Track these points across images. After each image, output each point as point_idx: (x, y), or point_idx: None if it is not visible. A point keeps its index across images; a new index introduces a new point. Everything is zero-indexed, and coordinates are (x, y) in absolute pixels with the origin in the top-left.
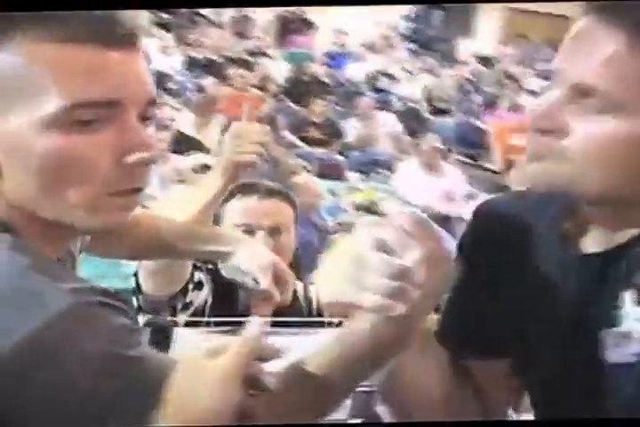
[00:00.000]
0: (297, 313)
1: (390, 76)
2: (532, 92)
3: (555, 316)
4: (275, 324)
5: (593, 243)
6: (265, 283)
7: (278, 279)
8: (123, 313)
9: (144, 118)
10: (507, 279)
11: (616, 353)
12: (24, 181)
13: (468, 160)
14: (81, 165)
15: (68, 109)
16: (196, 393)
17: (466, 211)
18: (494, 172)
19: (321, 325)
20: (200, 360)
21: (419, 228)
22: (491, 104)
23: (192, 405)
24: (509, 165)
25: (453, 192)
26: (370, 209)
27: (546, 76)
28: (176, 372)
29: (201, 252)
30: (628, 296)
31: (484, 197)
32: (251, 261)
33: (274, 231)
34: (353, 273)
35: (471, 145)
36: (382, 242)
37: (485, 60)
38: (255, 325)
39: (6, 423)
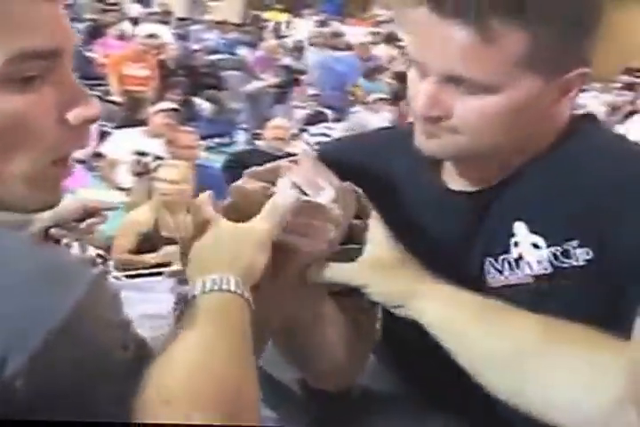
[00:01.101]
0: None
1: None
2: (135, 20)
3: (429, 251)
4: None
5: (457, 183)
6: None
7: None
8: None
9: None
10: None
11: (510, 276)
12: None
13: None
14: (24, 130)
15: (10, 62)
16: (236, 252)
17: (105, 148)
18: (118, 104)
19: None
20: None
21: (320, 168)
22: (96, 32)
23: (237, 258)
24: (131, 97)
25: None
26: None
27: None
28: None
29: None
30: (517, 227)
31: (117, 132)
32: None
33: None
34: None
35: (84, 76)
36: (297, 185)
37: None
38: (289, 194)
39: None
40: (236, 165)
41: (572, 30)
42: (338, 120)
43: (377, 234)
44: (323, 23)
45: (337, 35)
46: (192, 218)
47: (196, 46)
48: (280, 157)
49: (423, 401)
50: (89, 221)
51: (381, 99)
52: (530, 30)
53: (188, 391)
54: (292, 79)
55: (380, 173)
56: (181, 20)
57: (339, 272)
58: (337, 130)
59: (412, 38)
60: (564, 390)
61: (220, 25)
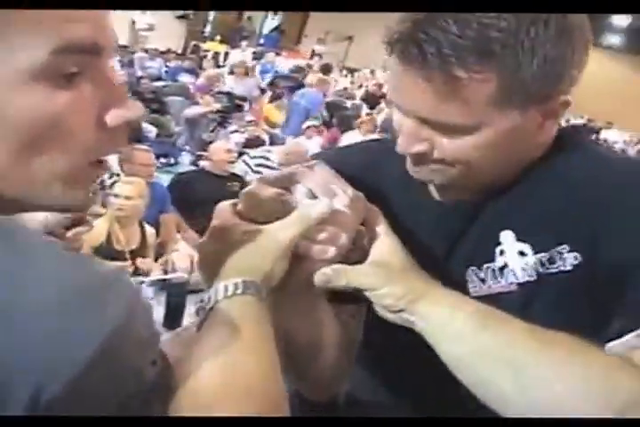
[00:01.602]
0: None
1: None
2: None
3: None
4: None
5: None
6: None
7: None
8: None
9: None
10: None
11: (493, 285)
12: None
13: None
14: (62, 129)
15: (55, 53)
16: (258, 257)
17: None
18: None
19: None
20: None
21: (333, 174)
22: None
23: (258, 264)
24: None
25: None
26: None
27: None
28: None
29: None
30: (504, 235)
31: None
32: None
33: None
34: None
35: None
36: (311, 192)
37: None
38: (324, 205)
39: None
40: (183, 185)
41: (545, 67)
42: (277, 144)
43: (384, 237)
44: (259, 54)
45: (299, 69)
46: (211, 223)
47: (140, 73)
48: (225, 178)
49: (408, 408)
50: (75, 229)
51: (311, 126)
52: (497, 72)
53: (227, 394)
54: (233, 105)
55: (370, 183)
56: (122, 47)
57: (346, 274)
58: (275, 153)
59: (389, 82)
60: (577, 398)
61: (163, 54)
